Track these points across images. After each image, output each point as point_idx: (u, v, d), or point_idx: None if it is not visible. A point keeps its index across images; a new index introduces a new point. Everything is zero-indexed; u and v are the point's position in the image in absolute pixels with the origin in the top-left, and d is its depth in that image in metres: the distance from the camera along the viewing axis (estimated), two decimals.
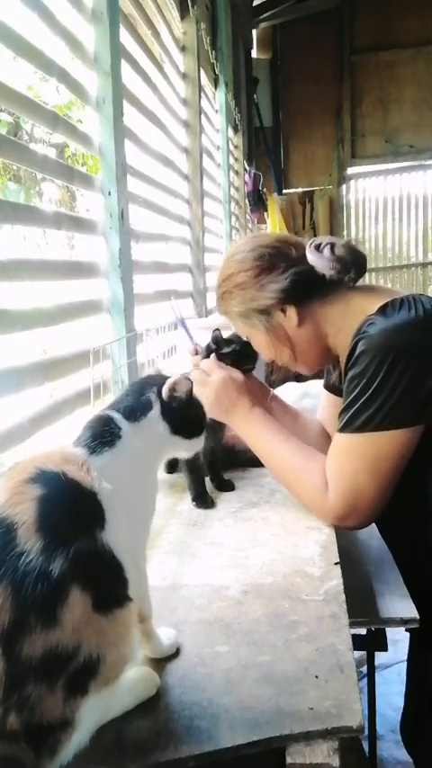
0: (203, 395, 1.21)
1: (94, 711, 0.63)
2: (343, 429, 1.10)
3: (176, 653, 0.81)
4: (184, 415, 0.82)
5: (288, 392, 2.04)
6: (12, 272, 1.05)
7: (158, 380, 0.83)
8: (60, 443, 0.74)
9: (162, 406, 0.80)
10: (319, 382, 1.99)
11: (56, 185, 4.96)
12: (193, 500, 1.30)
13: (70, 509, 0.64)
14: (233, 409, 1.24)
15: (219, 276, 1.26)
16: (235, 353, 1.31)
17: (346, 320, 1.16)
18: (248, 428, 1.25)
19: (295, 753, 0.69)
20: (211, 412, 1.25)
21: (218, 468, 1.43)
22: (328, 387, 1.45)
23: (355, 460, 1.08)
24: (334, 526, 1.17)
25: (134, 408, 0.78)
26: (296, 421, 1.45)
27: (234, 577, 1.02)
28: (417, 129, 5.05)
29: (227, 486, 1.41)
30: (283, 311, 1.19)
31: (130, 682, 0.72)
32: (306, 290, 1.18)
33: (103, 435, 0.73)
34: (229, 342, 1.33)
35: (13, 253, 4.66)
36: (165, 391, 0.80)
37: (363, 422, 1.06)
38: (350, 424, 1.08)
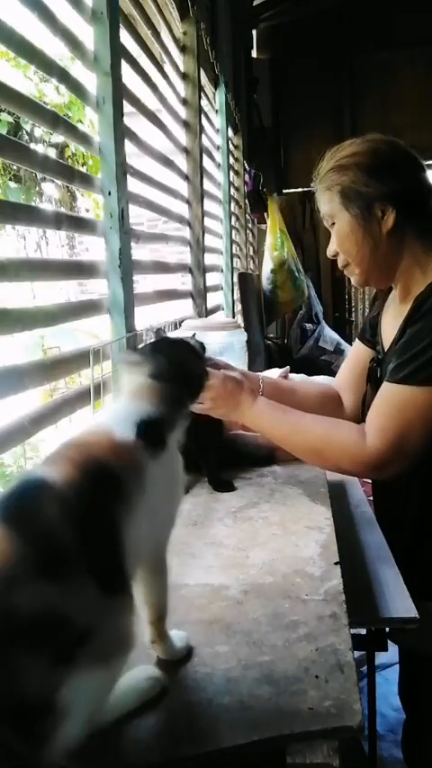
0: (206, 399, 1.23)
1: (87, 695, 0.60)
2: (403, 380, 1.10)
3: (188, 655, 0.81)
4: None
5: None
6: (12, 272, 1.05)
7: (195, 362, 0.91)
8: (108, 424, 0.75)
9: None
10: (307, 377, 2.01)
11: (56, 185, 4.97)
12: (210, 482, 1.37)
13: (101, 491, 0.66)
14: (238, 406, 1.26)
15: (339, 149, 1.25)
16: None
17: (428, 263, 1.20)
18: (259, 418, 1.26)
19: (295, 753, 0.69)
20: (217, 413, 1.28)
21: (216, 469, 1.43)
22: (363, 339, 1.47)
23: (410, 412, 1.09)
24: (370, 479, 1.22)
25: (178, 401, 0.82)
26: (295, 395, 1.46)
27: (234, 577, 1.02)
28: (417, 129, 5.04)
29: (226, 487, 1.41)
30: (383, 212, 1.18)
31: (134, 681, 0.72)
32: (414, 208, 1.19)
33: (159, 436, 0.76)
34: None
35: (13, 253, 4.67)
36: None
37: (428, 376, 1.07)
38: (413, 377, 1.09)
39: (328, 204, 1.25)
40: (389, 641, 1.31)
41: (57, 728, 0.57)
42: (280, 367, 2.12)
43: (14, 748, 0.55)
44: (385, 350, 1.31)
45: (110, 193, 1.38)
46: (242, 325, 2.47)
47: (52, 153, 4.34)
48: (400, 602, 1.15)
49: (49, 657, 0.57)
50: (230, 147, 3.61)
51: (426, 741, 1.37)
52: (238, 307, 3.50)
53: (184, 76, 2.34)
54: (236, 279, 3.44)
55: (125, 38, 1.52)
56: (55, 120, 1.20)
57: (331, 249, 1.29)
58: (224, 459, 1.47)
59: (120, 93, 1.40)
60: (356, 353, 1.49)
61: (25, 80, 3.71)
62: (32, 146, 3.75)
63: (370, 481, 1.50)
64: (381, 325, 1.38)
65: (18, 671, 0.55)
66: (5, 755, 0.55)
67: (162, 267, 2.21)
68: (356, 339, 1.51)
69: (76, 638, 0.59)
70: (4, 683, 0.55)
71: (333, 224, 1.26)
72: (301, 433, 1.23)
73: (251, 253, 4.77)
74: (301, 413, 1.25)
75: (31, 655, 0.56)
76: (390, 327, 1.32)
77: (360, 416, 1.38)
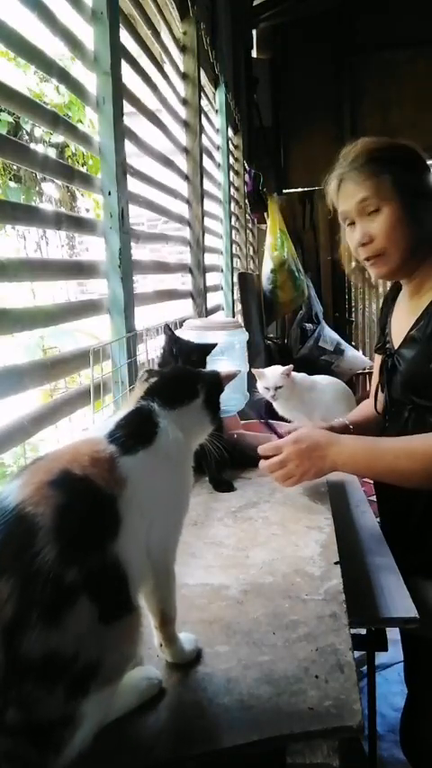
0: (293, 473, 1.22)
1: (98, 709, 0.63)
2: None
3: (197, 658, 0.81)
4: (218, 403, 0.88)
5: (298, 382, 2.06)
6: (12, 272, 1.05)
7: (197, 369, 0.90)
8: (93, 435, 0.73)
9: (207, 397, 0.84)
10: (323, 377, 2.01)
11: (56, 185, 4.96)
12: (210, 481, 1.39)
13: (87, 522, 0.64)
14: (326, 456, 1.21)
15: (373, 140, 1.29)
16: None
17: None
18: (355, 455, 1.21)
19: (295, 753, 0.69)
20: (310, 475, 1.24)
21: (216, 468, 1.43)
22: (378, 350, 1.49)
23: None
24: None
25: (176, 397, 0.81)
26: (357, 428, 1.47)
27: (234, 577, 1.02)
28: (417, 129, 5.04)
29: (226, 487, 1.41)
30: (428, 206, 1.23)
31: (133, 681, 0.72)
32: None
33: (139, 432, 0.74)
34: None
35: (13, 253, 4.67)
36: (225, 382, 0.89)
37: None
38: None
39: (371, 190, 1.24)
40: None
41: (69, 739, 0.60)
42: (281, 366, 2.13)
43: (30, 759, 0.58)
44: (395, 344, 1.35)
45: (110, 193, 1.38)
46: (242, 324, 2.47)
47: (52, 153, 4.33)
48: (400, 602, 1.15)
49: (61, 690, 0.58)
50: (230, 147, 3.61)
51: (424, 723, 1.37)
52: (238, 307, 3.50)
53: (184, 76, 2.34)
54: (236, 279, 3.44)
55: (125, 38, 1.52)
56: (55, 120, 1.20)
57: (365, 236, 1.26)
58: (224, 459, 1.47)
59: (120, 93, 1.40)
60: (378, 367, 1.52)
61: (25, 77, 3.70)
62: (32, 146, 3.75)
63: (370, 481, 1.50)
64: (390, 325, 1.42)
65: (30, 703, 0.57)
66: (20, 765, 0.58)
67: (162, 267, 2.21)
68: (375, 354, 1.54)
69: (86, 671, 0.60)
70: (21, 712, 0.57)
71: (374, 210, 1.24)
72: (405, 460, 1.15)
73: (251, 253, 4.77)
74: (386, 440, 1.22)
75: (45, 689, 0.58)
76: (401, 323, 1.35)
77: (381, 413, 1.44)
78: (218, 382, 0.89)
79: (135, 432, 0.73)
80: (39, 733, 0.58)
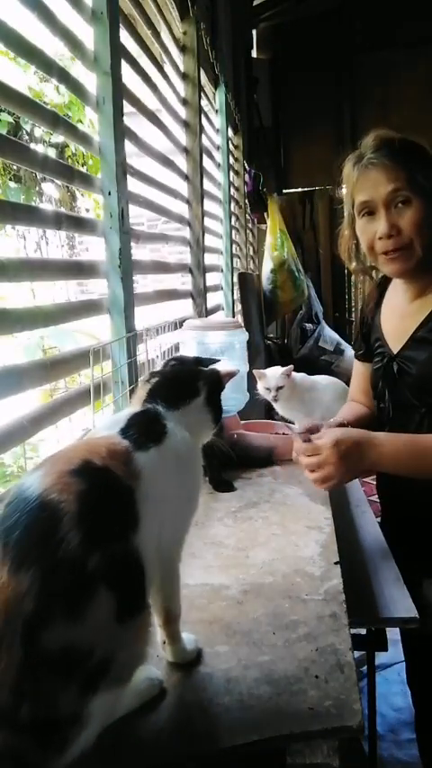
0: (332, 476, 1.13)
1: (104, 709, 0.63)
2: None
3: (198, 658, 0.81)
4: (219, 401, 0.88)
5: (298, 383, 2.06)
6: (12, 272, 1.05)
7: (197, 368, 0.89)
8: (105, 433, 0.74)
9: (209, 395, 0.84)
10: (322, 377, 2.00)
11: (56, 185, 4.96)
12: (210, 482, 1.36)
13: (109, 509, 0.65)
14: (363, 456, 1.15)
15: (400, 134, 1.29)
16: None
17: None
18: (397, 453, 1.16)
19: (295, 753, 0.69)
20: (352, 479, 1.20)
21: (216, 468, 1.43)
22: (360, 357, 1.49)
23: None
24: None
25: (179, 396, 0.82)
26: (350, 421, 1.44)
27: (234, 577, 1.02)
28: (417, 129, 5.05)
29: (226, 487, 1.41)
30: None
31: (134, 681, 0.72)
32: None
33: (149, 431, 0.75)
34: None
35: (13, 253, 4.67)
36: (225, 380, 0.89)
37: None
38: None
39: (404, 182, 1.21)
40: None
41: (74, 739, 0.60)
42: (281, 366, 2.13)
43: (33, 758, 0.58)
44: (393, 348, 1.31)
45: (110, 193, 1.38)
46: (242, 324, 2.47)
47: (52, 153, 4.33)
48: (400, 603, 1.15)
49: (74, 685, 0.59)
50: (230, 147, 3.61)
51: None
52: (238, 307, 3.50)
53: (184, 76, 2.33)
54: (236, 279, 3.44)
55: (125, 38, 1.52)
56: (55, 120, 1.20)
57: (392, 227, 1.22)
58: (228, 458, 1.47)
59: (120, 93, 1.40)
60: (360, 372, 1.50)
61: (24, 77, 3.70)
62: (32, 146, 3.75)
63: (370, 481, 1.50)
64: (379, 329, 1.38)
65: (44, 698, 0.57)
66: (23, 764, 0.58)
67: (162, 267, 2.21)
68: (355, 360, 1.53)
69: (100, 667, 0.60)
70: (34, 707, 0.57)
71: (405, 202, 1.22)
72: None
73: (251, 253, 4.77)
74: (419, 435, 1.19)
75: (59, 683, 0.58)
76: (397, 325, 1.32)
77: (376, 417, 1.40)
78: (218, 380, 0.89)
79: (145, 431, 0.74)
80: (46, 731, 0.58)
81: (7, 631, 0.55)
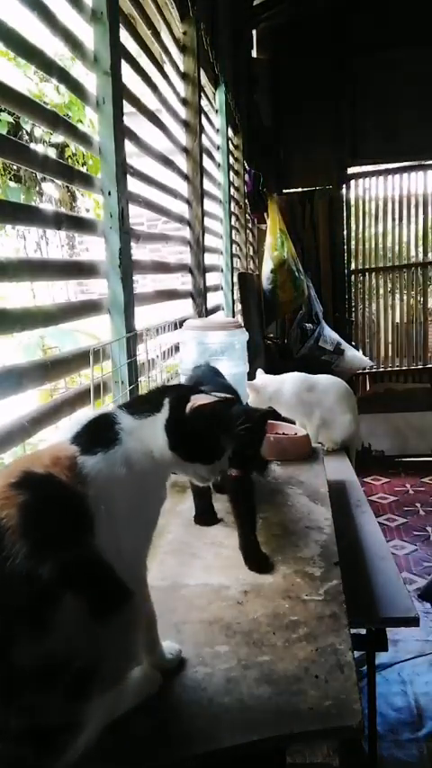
0: None
1: (102, 712, 0.63)
2: None
3: (179, 668, 0.80)
4: (193, 437, 0.76)
5: (292, 384, 2.05)
6: (12, 272, 1.05)
7: (182, 391, 0.80)
8: (56, 441, 0.73)
9: (170, 416, 0.76)
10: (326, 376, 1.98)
11: (56, 185, 4.96)
12: (195, 518, 1.24)
13: (56, 514, 0.63)
14: None
15: None
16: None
17: None
18: None
19: (295, 753, 0.69)
20: None
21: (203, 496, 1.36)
22: None
23: None
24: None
25: (142, 405, 0.78)
26: None
27: (234, 577, 1.02)
28: (417, 128, 5.05)
29: (209, 519, 1.35)
30: None
31: (133, 680, 0.72)
32: None
33: (100, 437, 0.72)
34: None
35: (12, 253, 4.67)
36: (188, 407, 0.76)
37: None
38: None
39: None
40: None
41: (73, 743, 0.60)
42: (281, 367, 2.13)
43: (32, 762, 0.58)
44: None
45: (110, 193, 1.38)
46: (242, 324, 2.47)
47: (52, 153, 4.33)
48: (400, 602, 1.15)
49: (60, 695, 0.58)
50: (230, 147, 3.61)
51: None
52: (238, 307, 3.50)
53: (184, 76, 2.33)
54: (236, 279, 3.44)
55: (125, 38, 1.52)
56: (55, 120, 1.20)
57: None
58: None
59: (120, 93, 1.40)
60: None
61: (24, 77, 3.70)
62: (32, 146, 3.75)
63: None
64: None
65: (31, 711, 0.57)
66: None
67: (162, 267, 2.21)
68: None
69: (84, 672, 0.59)
70: (24, 720, 0.57)
71: None
72: None
73: (251, 253, 4.77)
74: None
75: (44, 696, 0.57)
76: None
77: None
78: (182, 403, 0.78)
79: (95, 437, 0.72)
80: (41, 738, 0.58)
81: None
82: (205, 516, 1.24)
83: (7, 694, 0.56)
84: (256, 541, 1.09)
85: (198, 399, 0.77)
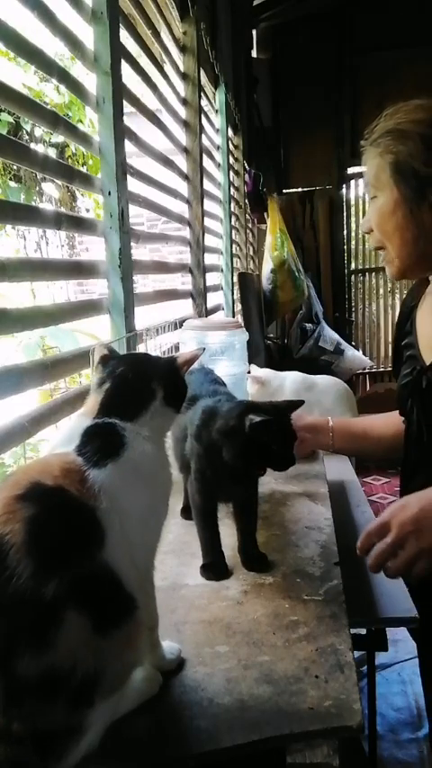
0: (414, 552, 0.87)
1: (105, 716, 0.63)
2: None
3: (179, 667, 0.79)
4: (180, 388, 0.80)
5: (292, 382, 2.05)
6: (12, 272, 1.05)
7: (151, 365, 0.80)
8: (61, 451, 0.70)
9: (165, 392, 0.77)
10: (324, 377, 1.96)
11: (56, 185, 4.96)
12: (202, 567, 1.05)
13: (65, 529, 0.61)
14: None
15: (406, 105, 1.09)
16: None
17: None
18: None
19: (295, 753, 0.69)
20: None
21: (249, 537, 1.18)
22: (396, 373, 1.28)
23: None
24: None
25: (133, 406, 0.75)
26: (368, 438, 1.35)
27: (234, 577, 1.02)
28: None
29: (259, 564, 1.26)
30: None
31: (133, 681, 0.72)
32: None
33: (105, 446, 0.70)
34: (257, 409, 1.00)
35: (12, 253, 4.67)
36: (184, 369, 0.80)
37: None
38: None
39: (373, 171, 1.08)
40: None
41: (75, 747, 0.60)
42: (280, 367, 2.12)
43: (33, 765, 0.58)
44: (426, 359, 1.12)
45: (110, 193, 1.38)
46: (242, 324, 2.47)
47: (52, 153, 4.33)
48: (400, 602, 1.15)
49: (62, 704, 0.58)
50: (230, 147, 3.61)
51: None
52: (238, 307, 3.50)
53: (184, 76, 2.33)
54: (236, 279, 3.44)
55: (125, 38, 1.52)
56: (55, 120, 1.20)
57: (366, 224, 1.12)
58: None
59: (120, 93, 1.40)
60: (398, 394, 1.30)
61: (25, 77, 3.70)
62: (32, 146, 3.75)
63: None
64: (414, 336, 1.18)
65: (33, 718, 0.57)
66: None
67: (162, 267, 2.21)
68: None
69: (86, 684, 0.59)
70: (25, 725, 0.57)
71: (374, 196, 1.09)
72: None
73: (251, 253, 4.77)
74: None
75: (46, 705, 0.57)
76: (431, 329, 1.14)
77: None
78: (174, 373, 0.80)
79: (100, 447, 0.69)
80: (42, 743, 0.58)
81: None
82: (217, 567, 1.10)
83: (10, 703, 0.56)
84: (255, 541, 1.08)
85: (181, 359, 0.80)
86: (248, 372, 1.95)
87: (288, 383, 2.11)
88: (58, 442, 0.74)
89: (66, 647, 0.57)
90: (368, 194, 1.12)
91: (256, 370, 2.05)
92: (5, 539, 0.56)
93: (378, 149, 1.07)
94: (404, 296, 1.32)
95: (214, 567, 1.03)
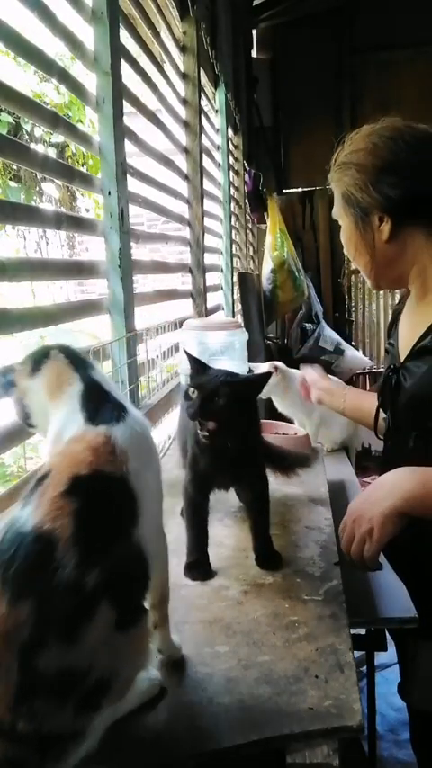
0: (359, 530, 0.93)
1: (105, 721, 0.63)
2: None
3: (179, 667, 0.80)
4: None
5: (296, 381, 2.05)
6: (12, 272, 1.05)
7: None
8: (80, 431, 0.71)
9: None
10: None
11: (56, 185, 4.96)
12: (186, 567, 1.05)
13: (106, 516, 0.64)
14: (384, 488, 0.95)
15: (348, 143, 1.14)
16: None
17: None
18: (421, 489, 0.93)
19: (295, 753, 0.69)
20: (382, 525, 0.92)
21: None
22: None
23: None
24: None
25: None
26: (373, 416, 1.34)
27: (234, 577, 1.02)
28: None
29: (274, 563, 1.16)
30: (380, 220, 1.08)
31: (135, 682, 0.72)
32: (417, 212, 1.08)
33: (108, 405, 0.73)
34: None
35: (13, 253, 4.67)
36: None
37: None
38: None
39: (335, 202, 1.16)
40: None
41: (76, 750, 0.60)
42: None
43: (33, 765, 0.58)
44: (401, 358, 1.17)
45: (110, 193, 1.38)
46: (242, 324, 2.47)
47: (52, 153, 4.33)
48: (399, 603, 1.15)
49: (71, 706, 0.59)
50: (230, 147, 3.61)
51: None
52: (238, 307, 3.50)
53: (184, 76, 2.33)
54: (236, 279, 3.44)
55: (125, 38, 1.52)
56: (55, 120, 1.20)
57: (346, 252, 1.20)
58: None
59: (120, 93, 1.40)
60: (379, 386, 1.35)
61: (25, 77, 3.70)
62: (32, 146, 3.75)
63: (371, 481, 1.49)
64: (399, 331, 1.23)
65: (41, 718, 0.57)
66: None
67: (162, 267, 2.21)
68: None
69: (99, 686, 0.60)
70: (31, 725, 0.57)
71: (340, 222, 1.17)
72: None
73: (251, 253, 4.77)
74: None
75: (56, 705, 0.58)
76: (407, 333, 1.18)
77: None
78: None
79: (108, 406, 0.73)
80: (44, 743, 0.58)
81: (6, 657, 0.56)
82: (201, 568, 1.09)
83: (21, 700, 0.56)
84: (269, 540, 1.09)
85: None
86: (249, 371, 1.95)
87: (298, 377, 2.11)
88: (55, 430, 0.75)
89: (89, 644, 0.58)
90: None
91: (262, 366, 2.06)
92: (55, 533, 0.59)
93: (334, 182, 1.15)
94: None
95: (198, 567, 1.04)
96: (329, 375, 1.64)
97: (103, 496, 0.65)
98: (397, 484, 0.94)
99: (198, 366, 1.05)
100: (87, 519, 0.61)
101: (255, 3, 4.65)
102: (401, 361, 1.16)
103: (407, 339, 1.18)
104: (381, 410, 1.26)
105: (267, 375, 1.11)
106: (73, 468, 0.65)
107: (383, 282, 1.19)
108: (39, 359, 0.79)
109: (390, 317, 1.37)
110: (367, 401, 1.39)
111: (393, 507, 0.91)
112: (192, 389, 1.00)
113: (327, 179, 1.18)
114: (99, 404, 0.73)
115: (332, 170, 1.15)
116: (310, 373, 1.61)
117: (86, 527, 0.60)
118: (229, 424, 0.98)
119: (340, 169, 1.12)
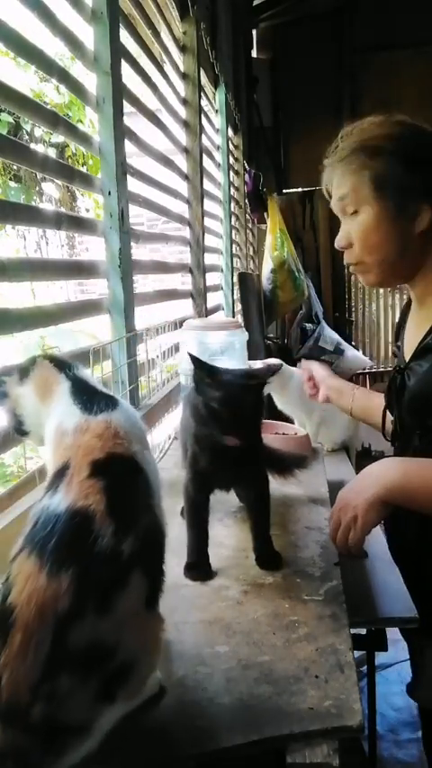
0: (344, 519, 0.98)
1: (111, 721, 0.63)
2: None
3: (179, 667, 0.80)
4: None
5: (297, 380, 2.04)
6: (12, 272, 1.05)
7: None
8: (82, 423, 0.73)
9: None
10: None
11: (56, 185, 4.96)
12: (186, 567, 1.04)
13: (130, 489, 0.68)
14: (369, 479, 0.99)
15: (365, 126, 1.12)
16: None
17: None
18: (402, 477, 0.97)
19: (295, 753, 0.69)
20: (367, 512, 0.96)
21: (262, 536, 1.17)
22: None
23: None
24: None
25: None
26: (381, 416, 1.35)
27: (234, 577, 1.02)
28: None
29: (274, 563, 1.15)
30: (419, 209, 1.04)
31: None
32: None
33: (99, 395, 0.77)
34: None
35: (13, 253, 4.67)
36: None
37: None
38: None
39: (350, 187, 1.09)
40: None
41: (78, 747, 0.60)
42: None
43: (33, 759, 0.58)
44: (406, 358, 1.18)
45: (110, 193, 1.38)
46: (242, 324, 2.47)
47: (52, 153, 4.34)
48: (399, 603, 1.15)
49: (92, 688, 0.59)
50: (230, 147, 3.61)
51: None
52: (238, 307, 3.50)
53: (184, 76, 2.33)
54: (236, 279, 3.44)
55: (125, 38, 1.52)
56: (55, 120, 1.20)
57: (344, 240, 1.12)
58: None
59: (120, 93, 1.40)
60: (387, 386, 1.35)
61: (25, 77, 3.70)
62: (32, 146, 3.75)
63: None
64: (405, 333, 1.25)
65: (60, 699, 0.57)
66: (23, 764, 0.58)
67: (162, 267, 2.21)
68: None
69: (119, 672, 0.61)
70: (48, 708, 0.57)
71: (354, 212, 1.10)
72: None
73: (251, 253, 4.77)
74: None
75: (73, 686, 0.58)
76: (412, 334, 1.20)
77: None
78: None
79: (101, 399, 0.76)
80: (53, 734, 0.58)
81: (40, 629, 0.57)
82: (201, 568, 1.08)
83: (48, 674, 0.56)
84: (269, 540, 1.09)
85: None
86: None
87: (297, 375, 2.11)
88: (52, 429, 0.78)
89: (121, 614, 0.60)
90: (338, 211, 1.14)
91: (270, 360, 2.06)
92: (90, 508, 0.62)
93: (351, 166, 1.09)
94: (403, 296, 1.37)
95: (198, 567, 1.04)
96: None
97: (123, 473, 0.68)
98: (381, 473, 0.98)
99: (206, 372, 0.99)
100: (117, 493, 0.64)
101: (255, 3, 4.65)
102: (406, 362, 1.17)
103: (411, 340, 1.18)
104: (388, 412, 1.26)
105: (277, 367, 1.14)
106: (89, 455, 0.68)
107: (390, 278, 1.15)
108: (26, 367, 0.84)
109: (389, 317, 1.37)
110: (375, 401, 1.39)
111: (376, 496, 0.95)
112: (213, 402, 0.97)
113: (330, 171, 1.14)
114: (90, 396, 0.77)
115: (347, 152, 1.10)
116: (318, 370, 1.59)
117: (117, 500, 0.64)
118: (256, 425, 1.04)
119: (368, 153, 1.07)
